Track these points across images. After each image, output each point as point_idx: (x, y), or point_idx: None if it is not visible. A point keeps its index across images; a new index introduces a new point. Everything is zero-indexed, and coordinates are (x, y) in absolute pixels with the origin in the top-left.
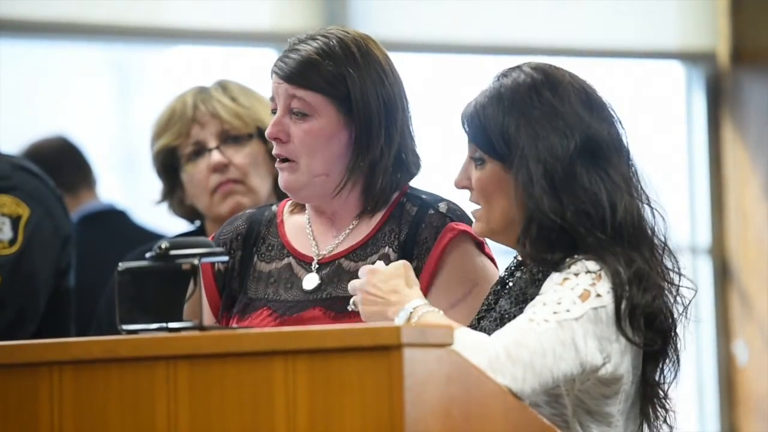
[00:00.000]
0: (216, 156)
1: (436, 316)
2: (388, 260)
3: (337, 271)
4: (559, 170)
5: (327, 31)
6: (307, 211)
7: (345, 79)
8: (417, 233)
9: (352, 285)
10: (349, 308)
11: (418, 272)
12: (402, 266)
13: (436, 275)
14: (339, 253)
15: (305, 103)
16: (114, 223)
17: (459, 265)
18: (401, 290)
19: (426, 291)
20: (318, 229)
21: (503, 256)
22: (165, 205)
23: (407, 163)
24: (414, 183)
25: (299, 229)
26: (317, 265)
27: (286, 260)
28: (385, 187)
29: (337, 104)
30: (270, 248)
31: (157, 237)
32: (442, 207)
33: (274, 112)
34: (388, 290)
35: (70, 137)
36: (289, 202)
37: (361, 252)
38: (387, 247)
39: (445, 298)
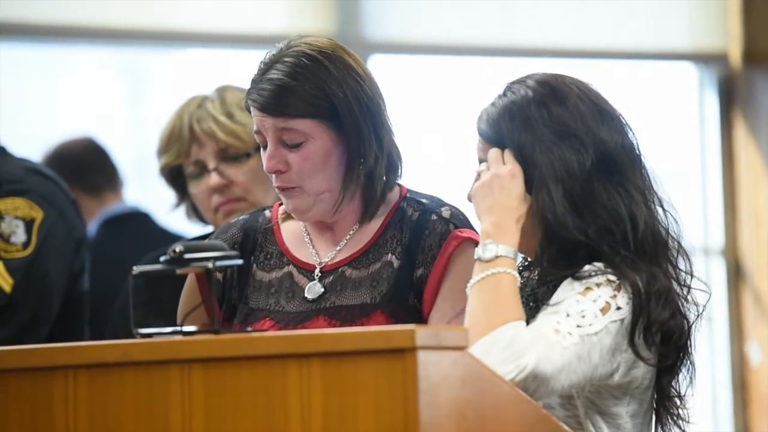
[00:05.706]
0: (215, 178)
1: (496, 286)
2: (391, 267)
3: (340, 279)
4: (578, 188)
5: (292, 48)
6: None
7: (327, 95)
8: (420, 239)
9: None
10: None
11: (424, 280)
12: (516, 199)
13: (443, 283)
14: (341, 261)
15: (297, 132)
16: (137, 226)
17: (464, 273)
18: (500, 224)
19: (433, 299)
20: (316, 235)
21: None
22: (181, 209)
23: (396, 159)
24: (416, 184)
25: (296, 236)
26: (320, 273)
27: (286, 269)
28: (384, 192)
29: (327, 122)
30: (269, 257)
31: (180, 239)
32: (445, 212)
33: (262, 146)
34: (490, 222)
35: (96, 139)
36: (282, 207)
37: (364, 259)
38: (390, 254)
39: (451, 306)
